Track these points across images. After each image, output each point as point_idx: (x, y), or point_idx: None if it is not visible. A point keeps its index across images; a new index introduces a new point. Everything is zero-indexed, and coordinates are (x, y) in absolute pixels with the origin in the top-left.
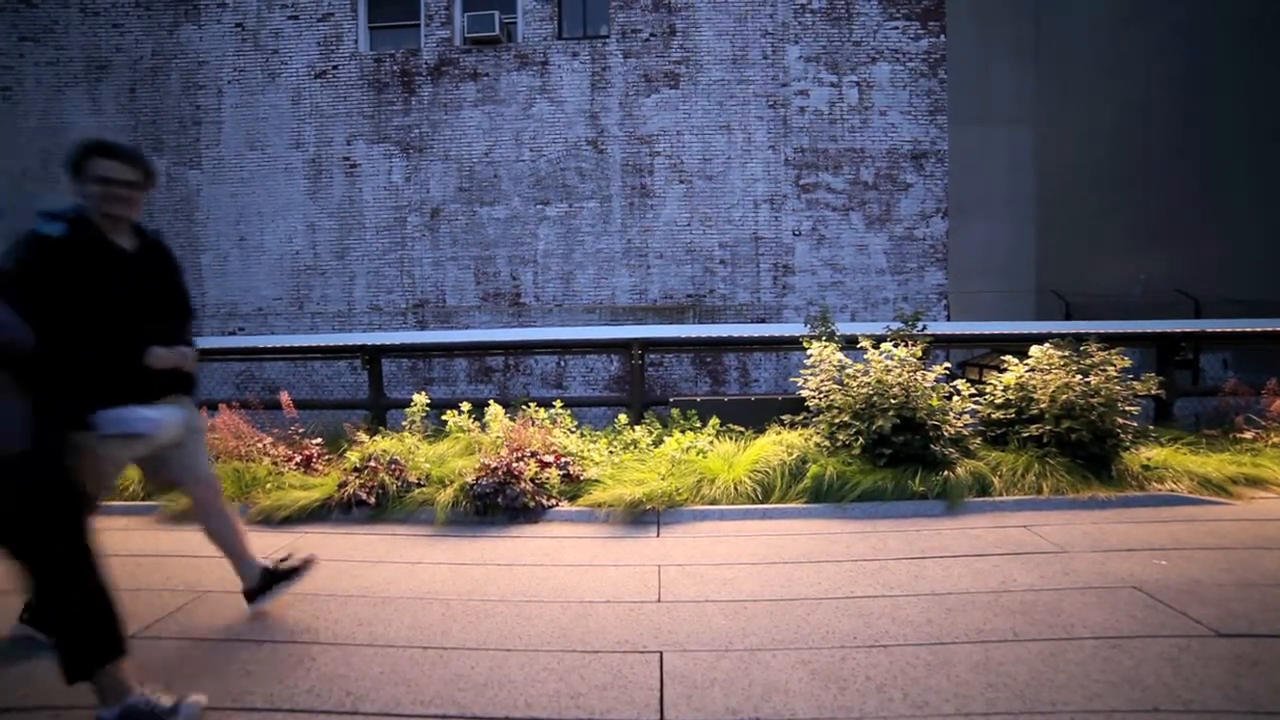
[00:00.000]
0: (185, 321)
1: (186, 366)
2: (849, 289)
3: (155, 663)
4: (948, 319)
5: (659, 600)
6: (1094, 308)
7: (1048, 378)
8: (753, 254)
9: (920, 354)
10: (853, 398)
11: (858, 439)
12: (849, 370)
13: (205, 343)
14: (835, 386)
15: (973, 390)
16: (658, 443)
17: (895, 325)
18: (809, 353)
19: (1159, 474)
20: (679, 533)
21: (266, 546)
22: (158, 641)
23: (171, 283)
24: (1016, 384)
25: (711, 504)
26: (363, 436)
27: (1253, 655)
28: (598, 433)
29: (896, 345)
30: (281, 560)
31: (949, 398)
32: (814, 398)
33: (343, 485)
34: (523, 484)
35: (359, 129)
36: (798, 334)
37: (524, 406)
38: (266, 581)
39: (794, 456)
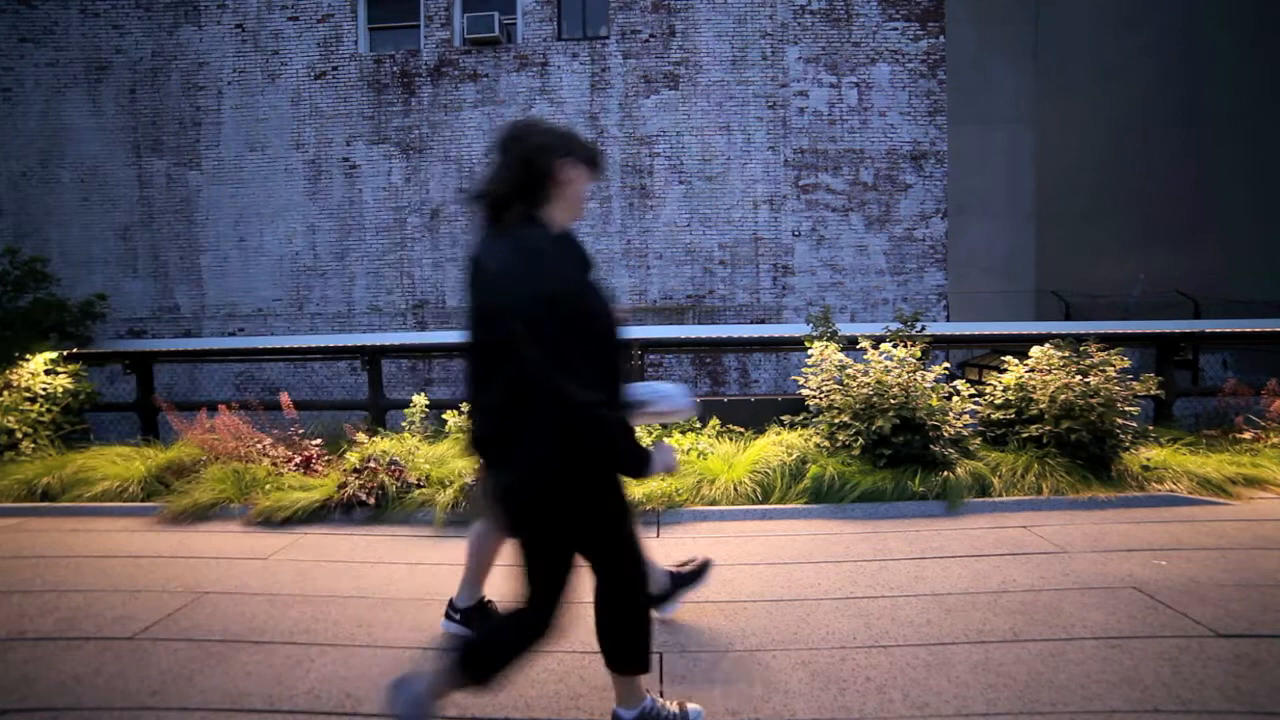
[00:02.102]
0: None
1: None
2: (848, 289)
3: (157, 665)
4: (947, 319)
5: None
6: (1094, 308)
7: (1047, 378)
8: (752, 254)
9: (920, 354)
10: (853, 398)
11: (857, 439)
12: (849, 370)
13: (205, 343)
14: (835, 387)
15: (972, 391)
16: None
17: (895, 326)
18: (810, 352)
19: (1158, 474)
20: (679, 533)
21: (266, 547)
22: (157, 643)
23: None
24: (1016, 384)
25: (711, 505)
26: (362, 437)
27: (1253, 655)
28: None
29: (896, 346)
30: (683, 565)
31: (949, 398)
32: (814, 398)
33: (342, 486)
34: None
35: (359, 130)
36: (798, 334)
37: None
38: (673, 586)
39: (794, 457)
